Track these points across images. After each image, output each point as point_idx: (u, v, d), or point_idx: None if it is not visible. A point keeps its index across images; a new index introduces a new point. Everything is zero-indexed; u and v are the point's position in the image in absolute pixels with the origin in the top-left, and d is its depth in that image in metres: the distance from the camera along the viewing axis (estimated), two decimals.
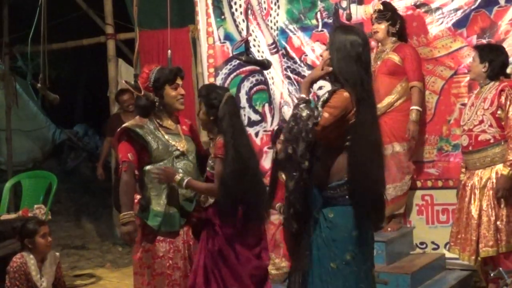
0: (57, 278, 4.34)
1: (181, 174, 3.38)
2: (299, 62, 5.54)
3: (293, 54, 5.56)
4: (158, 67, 3.52)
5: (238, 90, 5.84)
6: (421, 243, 4.96)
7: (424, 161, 4.96)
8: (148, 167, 3.43)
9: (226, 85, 5.80)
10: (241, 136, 3.38)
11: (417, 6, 5.00)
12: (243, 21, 5.67)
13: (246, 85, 5.84)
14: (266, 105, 5.76)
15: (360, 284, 2.86)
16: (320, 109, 2.76)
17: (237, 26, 5.85)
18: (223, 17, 5.93)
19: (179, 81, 3.51)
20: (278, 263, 4.52)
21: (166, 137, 3.47)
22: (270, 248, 4.41)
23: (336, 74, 2.84)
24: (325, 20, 5.41)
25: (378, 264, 3.73)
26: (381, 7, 4.78)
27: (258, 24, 5.72)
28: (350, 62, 2.81)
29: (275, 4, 5.64)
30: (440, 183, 4.93)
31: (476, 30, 4.78)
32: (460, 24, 4.82)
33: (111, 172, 6.98)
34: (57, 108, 8.14)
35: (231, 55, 5.78)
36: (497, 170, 4.05)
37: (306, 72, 5.46)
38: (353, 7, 4.90)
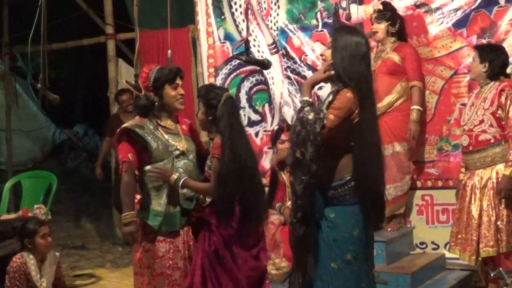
0: (57, 278, 4.34)
1: (177, 174, 3.38)
2: (299, 62, 5.54)
3: (293, 54, 5.56)
4: (158, 67, 3.52)
5: (238, 90, 5.84)
6: (421, 243, 4.96)
7: (424, 161, 4.96)
8: (147, 167, 3.43)
9: (226, 85, 5.80)
10: (239, 136, 3.37)
11: (417, 6, 5.00)
12: (243, 21, 5.67)
13: (246, 85, 5.84)
14: (266, 105, 5.76)
15: (361, 284, 2.87)
16: (325, 111, 2.76)
17: (237, 26, 5.85)
18: (223, 17, 5.93)
19: (178, 81, 3.51)
20: (278, 263, 4.52)
21: (166, 136, 3.47)
22: (270, 248, 4.42)
23: (340, 73, 2.83)
24: (325, 20, 5.41)
25: (378, 264, 3.73)
26: (380, 7, 4.78)
27: (258, 24, 5.72)
28: (354, 61, 2.82)
29: (275, 4, 5.64)
30: (440, 183, 4.93)
31: (476, 30, 4.78)
32: (460, 24, 4.82)
33: (111, 172, 6.98)
34: (57, 108, 8.15)
35: (231, 55, 5.79)
36: (498, 170, 4.05)
37: (306, 72, 5.47)
38: (353, 7, 4.90)
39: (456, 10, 4.84)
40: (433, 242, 4.93)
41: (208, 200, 3.45)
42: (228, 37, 5.91)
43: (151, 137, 3.43)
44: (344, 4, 5.18)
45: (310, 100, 2.82)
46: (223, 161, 3.29)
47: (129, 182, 3.37)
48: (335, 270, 2.83)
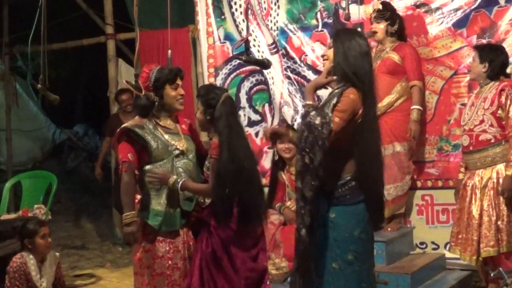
0: (57, 278, 4.34)
1: (175, 176, 3.37)
2: (299, 62, 5.54)
3: (293, 54, 5.56)
4: (158, 67, 3.52)
5: (238, 90, 5.84)
6: (421, 243, 4.96)
7: (424, 161, 4.96)
8: (147, 167, 3.43)
9: (226, 85, 5.80)
10: (237, 136, 3.36)
11: (417, 6, 5.00)
12: (243, 21, 5.66)
13: (246, 85, 5.84)
14: (266, 105, 5.76)
15: (362, 284, 2.87)
16: (330, 114, 2.75)
17: (237, 26, 5.85)
18: (223, 17, 5.93)
19: (179, 81, 3.51)
20: (278, 263, 4.51)
21: (166, 136, 3.47)
22: (270, 248, 4.41)
23: (345, 71, 2.83)
24: (325, 20, 5.41)
25: (378, 264, 3.73)
26: (380, 7, 4.78)
27: (258, 24, 5.72)
28: (358, 59, 2.82)
29: (275, 4, 5.64)
30: (440, 183, 4.93)
31: (476, 30, 4.78)
32: (460, 24, 4.82)
33: (111, 172, 6.98)
34: (57, 108, 8.14)
35: (231, 55, 5.79)
36: (498, 170, 4.05)
37: (306, 72, 5.47)
38: (353, 7, 4.90)
39: (456, 10, 4.84)
40: (433, 242, 4.92)
41: (207, 201, 3.45)
42: (228, 37, 5.91)
43: (151, 137, 3.43)
44: (344, 4, 5.18)
45: (314, 104, 2.82)
46: (221, 161, 3.28)
47: (129, 182, 3.37)
48: (336, 270, 2.83)
